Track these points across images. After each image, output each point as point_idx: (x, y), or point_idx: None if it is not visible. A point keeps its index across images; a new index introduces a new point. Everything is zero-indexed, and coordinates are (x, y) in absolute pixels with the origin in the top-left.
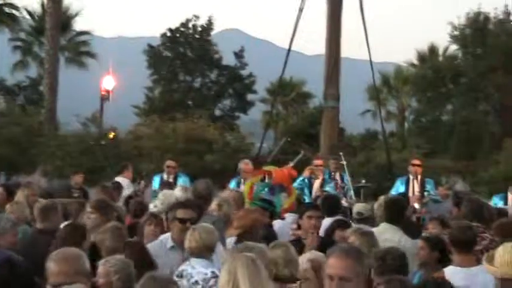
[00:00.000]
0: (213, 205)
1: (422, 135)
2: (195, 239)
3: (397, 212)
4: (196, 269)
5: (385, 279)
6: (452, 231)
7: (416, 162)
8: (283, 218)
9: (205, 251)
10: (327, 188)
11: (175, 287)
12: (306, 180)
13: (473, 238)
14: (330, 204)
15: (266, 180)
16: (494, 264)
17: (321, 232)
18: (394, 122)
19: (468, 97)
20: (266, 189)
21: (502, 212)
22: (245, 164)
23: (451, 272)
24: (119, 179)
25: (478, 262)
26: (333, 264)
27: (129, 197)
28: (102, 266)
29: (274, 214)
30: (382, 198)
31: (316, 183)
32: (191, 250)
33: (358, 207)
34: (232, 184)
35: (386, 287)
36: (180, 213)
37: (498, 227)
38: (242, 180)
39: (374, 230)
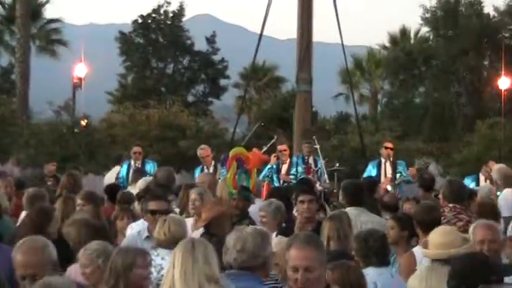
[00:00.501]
0: (193, 195)
1: (395, 117)
2: (165, 230)
3: (355, 195)
4: (166, 260)
5: (332, 265)
6: (417, 212)
7: (389, 145)
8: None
9: (173, 243)
10: (299, 169)
11: (147, 256)
12: (274, 167)
13: (438, 218)
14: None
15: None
16: (429, 247)
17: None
18: (366, 105)
19: (440, 79)
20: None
21: (471, 193)
22: (202, 150)
23: (418, 253)
24: (116, 169)
25: None
26: (296, 255)
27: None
28: (83, 256)
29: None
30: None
31: (284, 169)
32: (159, 242)
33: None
34: (197, 172)
35: (332, 273)
36: (152, 205)
37: (479, 207)
38: (205, 167)
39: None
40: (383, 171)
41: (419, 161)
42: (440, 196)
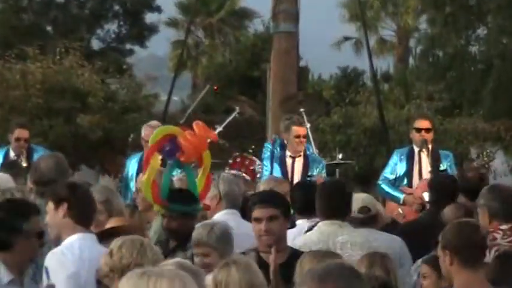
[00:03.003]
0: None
1: (438, 78)
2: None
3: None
4: None
5: None
6: (448, 232)
7: (424, 124)
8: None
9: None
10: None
11: None
12: (267, 163)
13: (480, 245)
14: (303, 197)
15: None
16: None
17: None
18: (390, 57)
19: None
20: (177, 172)
21: None
22: (151, 129)
23: None
24: None
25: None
26: None
27: None
28: None
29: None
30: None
31: (298, 168)
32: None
33: (361, 198)
34: (130, 166)
35: None
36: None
37: None
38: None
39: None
40: (416, 166)
41: (480, 152)
42: (481, 213)
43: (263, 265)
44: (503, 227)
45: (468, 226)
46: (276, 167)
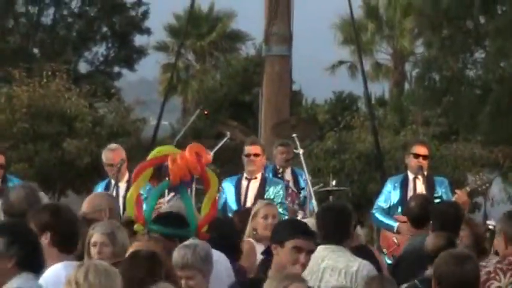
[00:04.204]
0: (98, 236)
1: (434, 103)
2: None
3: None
4: None
5: None
6: (438, 265)
7: (421, 150)
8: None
9: None
10: (276, 190)
11: None
12: (229, 185)
13: (472, 277)
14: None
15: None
16: None
17: None
18: (386, 82)
19: (510, 37)
20: (164, 192)
21: None
22: (113, 152)
23: None
24: None
25: None
26: None
27: None
28: None
29: (188, 237)
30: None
31: (252, 190)
32: None
33: (311, 223)
34: (98, 189)
35: None
36: None
37: None
38: (113, 182)
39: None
40: (411, 194)
41: (474, 177)
42: (498, 238)
43: None
44: None
45: (454, 257)
46: (231, 188)
